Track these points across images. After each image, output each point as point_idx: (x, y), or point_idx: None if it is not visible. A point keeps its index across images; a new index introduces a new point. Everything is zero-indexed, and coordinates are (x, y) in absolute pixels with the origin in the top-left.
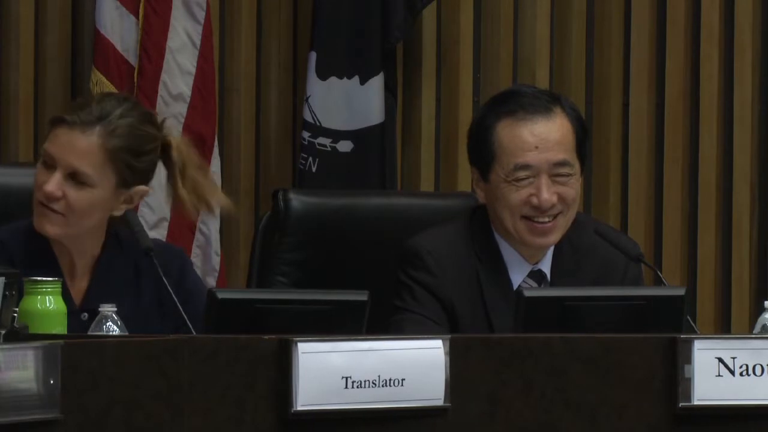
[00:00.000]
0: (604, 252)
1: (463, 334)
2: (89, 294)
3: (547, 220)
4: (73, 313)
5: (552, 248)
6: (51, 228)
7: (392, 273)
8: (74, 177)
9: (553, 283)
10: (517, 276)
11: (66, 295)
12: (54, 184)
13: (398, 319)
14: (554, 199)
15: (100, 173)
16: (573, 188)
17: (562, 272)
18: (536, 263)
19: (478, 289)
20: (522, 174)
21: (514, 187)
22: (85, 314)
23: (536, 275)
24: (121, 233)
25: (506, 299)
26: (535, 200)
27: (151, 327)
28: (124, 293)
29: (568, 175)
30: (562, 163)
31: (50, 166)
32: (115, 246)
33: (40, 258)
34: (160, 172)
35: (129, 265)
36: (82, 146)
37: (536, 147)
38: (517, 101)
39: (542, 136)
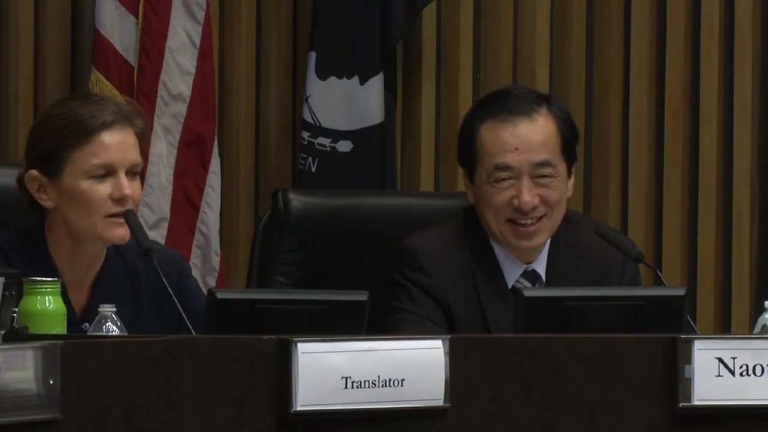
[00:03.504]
0: (602, 252)
1: (461, 334)
2: (90, 306)
3: (530, 222)
4: (74, 324)
5: (547, 248)
6: (127, 232)
7: (391, 273)
8: (129, 172)
9: (548, 283)
10: (511, 276)
11: (67, 307)
12: (127, 186)
13: (396, 320)
14: (536, 201)
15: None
16: (556, 190)
17: (557, 272)
18: (529, 263)
19: (474, 289)
20: (503, 175)
21: (495, 189)
22: (86, 324)
23: (530, 275)
24: None
25: (502, 299)
26: (516, 202)
27: (150, 331)
28: (125, 301)
29: (551, 176)
30: (544, 164)
31: (106, 174)
32: (115, 251)
33: (43, 272)
34: (160, 172)
35: (128, 271)
36: (130, 140)
37: (516, 148)
38: (502, 102)
39: (523, 138)
